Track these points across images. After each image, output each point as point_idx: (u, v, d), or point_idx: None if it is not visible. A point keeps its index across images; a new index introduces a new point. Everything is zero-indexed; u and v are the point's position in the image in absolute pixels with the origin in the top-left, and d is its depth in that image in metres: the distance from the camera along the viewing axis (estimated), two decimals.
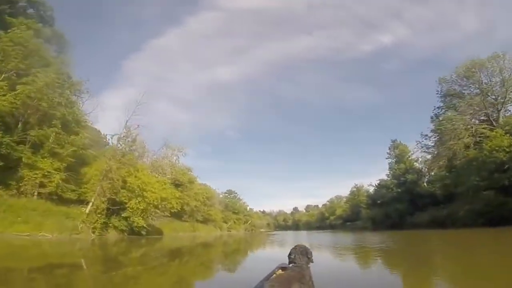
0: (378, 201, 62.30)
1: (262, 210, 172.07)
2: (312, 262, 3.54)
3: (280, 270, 4.08)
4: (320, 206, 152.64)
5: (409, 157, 61.68)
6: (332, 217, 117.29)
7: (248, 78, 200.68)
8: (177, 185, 56.83)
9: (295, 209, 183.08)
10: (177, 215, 54.46)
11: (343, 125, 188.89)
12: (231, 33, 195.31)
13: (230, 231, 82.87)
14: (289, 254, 3.60)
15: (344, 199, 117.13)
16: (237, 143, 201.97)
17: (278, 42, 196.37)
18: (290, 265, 3.58)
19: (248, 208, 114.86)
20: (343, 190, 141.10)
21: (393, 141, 65.32)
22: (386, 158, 65.80)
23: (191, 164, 70.77)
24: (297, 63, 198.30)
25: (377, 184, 72.32)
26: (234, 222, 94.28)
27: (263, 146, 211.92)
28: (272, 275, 3.93)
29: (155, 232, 38.87)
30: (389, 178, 63.65)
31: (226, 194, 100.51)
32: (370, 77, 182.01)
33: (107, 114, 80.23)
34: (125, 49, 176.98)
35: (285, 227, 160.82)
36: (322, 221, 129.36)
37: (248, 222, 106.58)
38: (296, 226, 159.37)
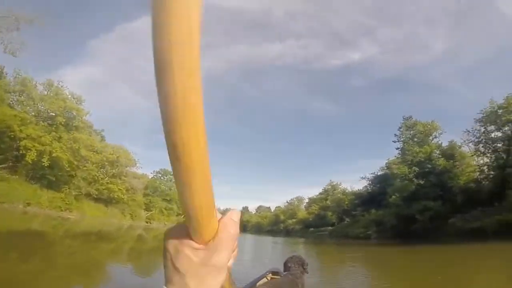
0: (394, 196, 39.23)
1: None
2: (307, 272, 3.52)
3: (270, 275, 4.38)
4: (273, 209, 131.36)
5: (436, 137, 41.34)
6: (290, 221, 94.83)
7: (212, 75, 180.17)
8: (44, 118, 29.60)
9: (245, 208, 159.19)
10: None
11: (302, 135, 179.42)
12: (204, 28, 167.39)
13: (149, 223, 58.61)
14: (286, 263, 3.64)
15: (307, 201, 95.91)
16: None
17: (250, 45, 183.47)
18: (285, 273, 3.63)
19: None
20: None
21: (407, 118, 44.55)
22: (394, 142, 45.02)
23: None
24: (265, 68, 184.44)
25: (372, 177, 50.59)
26: (162, 211, 69.27)
27: (218, 145, 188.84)
28: (261, 279, 4.20)
29: None
30: (400, 166, 41.91)
31: (159, 175, 75.29)
32: (335, 90, 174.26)
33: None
34: (97, 29, 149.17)
35: None
36: (275, 224, 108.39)
37: (183, 216, 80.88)
38: (243, 228, 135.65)
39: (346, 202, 63.65)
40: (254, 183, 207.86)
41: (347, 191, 73.93)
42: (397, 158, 46.56)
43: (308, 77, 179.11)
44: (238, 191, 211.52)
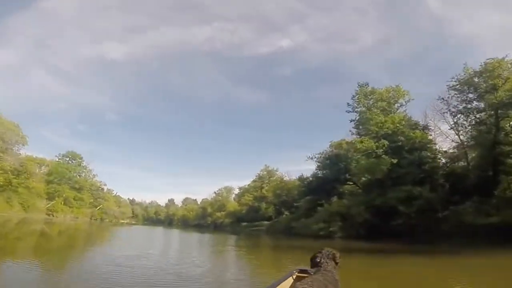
0: (364, 178, 28.83)
1: (131, 198, 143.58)
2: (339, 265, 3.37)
3: (297, 273, 4.03)
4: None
5: (403, 105, 32.96)
6: (218, 214, 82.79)
7: (139, 61, 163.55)
8: None
9: (171, 201, 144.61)
10: None
11: (231, 125, 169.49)
12: (130, 10, 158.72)
13: (52, 215, 48.96)
14: (315, 257, 3.40)
15: (237, 191, 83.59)
16: (115, 127, 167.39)
17: (178, 28, 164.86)
18: (316, 269, 3.35)
19: (104, 187, 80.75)
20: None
21: (362, 85, 36.95)
22: (349, 112, 37.52)
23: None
24: (193, 54, 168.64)
25: (322, 158, 40.05)
26: (71, 202, 58.30)
27: (144, 135, 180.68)
28: (287, 278, 3.91)
29: None
30: (364, 139, 32.08)
31: (67, 159, 63.34)
32: (262, 79, 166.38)
33: None
34: (9, 5, 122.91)
35: (156, 221, 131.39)
36: (203, 218, 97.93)
37: (98, 207, 71.11)
38: (169, 221, 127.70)
39: (285, 192, 52.87)
40: (181, 175, 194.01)
41: (285, 179, 63.67)
42: (353, 133, 37.11)
43: (236, 65, 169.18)
44: (164, 185, 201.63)
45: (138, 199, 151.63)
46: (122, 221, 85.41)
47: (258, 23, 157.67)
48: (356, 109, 36.19)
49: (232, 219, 75.22)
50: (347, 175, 39.40)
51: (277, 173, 67.22)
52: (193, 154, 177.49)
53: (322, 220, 32.68)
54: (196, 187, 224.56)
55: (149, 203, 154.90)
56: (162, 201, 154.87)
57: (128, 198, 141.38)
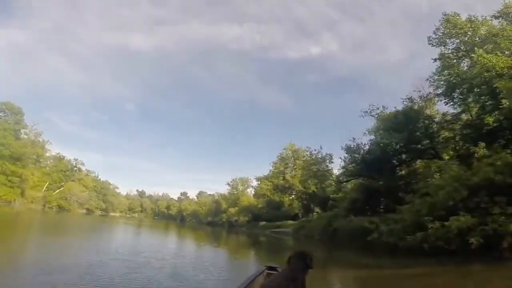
0: None
1: (140, 190, 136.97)
2: (311, 267, 3.39)
3: (266, 271, 4.47)
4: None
5: None
6: (232, 210, 67.05)
7: (163, 54, 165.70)
8: None
9: (184, 194, 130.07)
10: None
11: (252, 125, 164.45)
12: (160, 2, 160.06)
13: None
14: (288, 258, 3.51)
15: (256, 183, 66.01)
16: (133, 118, 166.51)
17: (207, 25, 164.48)
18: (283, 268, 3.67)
19: (82, 168, 67.64)
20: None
21: (450, 15, 23.88)
22: (432, 45, 25.03)
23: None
24: (220, 51, 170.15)
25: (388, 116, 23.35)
26: None
27: (163, 127, 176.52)
28: (258, 275, 4.23)
29: None
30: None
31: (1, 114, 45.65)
32: (288, 83, 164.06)
33: None
34: None
35: (168, 217, 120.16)
36: (216, 215, 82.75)
37: (58, 190, 53.08)
38: (181, 217, 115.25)
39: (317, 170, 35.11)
40: (198, 171, 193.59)
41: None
42: (434, 81, 20.99)
43: (263, 66, 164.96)
44: (182, 180, 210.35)
45: (149, 192, 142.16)
46: (113, 214, 71.24)
47: (289, 28, 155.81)
48: (441, 43, 24.09)
49: (248, 217, 59.98)
50: (426, 141, 22.64)
51: (307, 153, 48.24)
52: (212, 151, 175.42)
53: (441, 208, 13.22)
54: (212, 185, 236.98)
55: (161, 196, 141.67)
56: (176, 196, 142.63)
57: (137, 190, 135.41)
